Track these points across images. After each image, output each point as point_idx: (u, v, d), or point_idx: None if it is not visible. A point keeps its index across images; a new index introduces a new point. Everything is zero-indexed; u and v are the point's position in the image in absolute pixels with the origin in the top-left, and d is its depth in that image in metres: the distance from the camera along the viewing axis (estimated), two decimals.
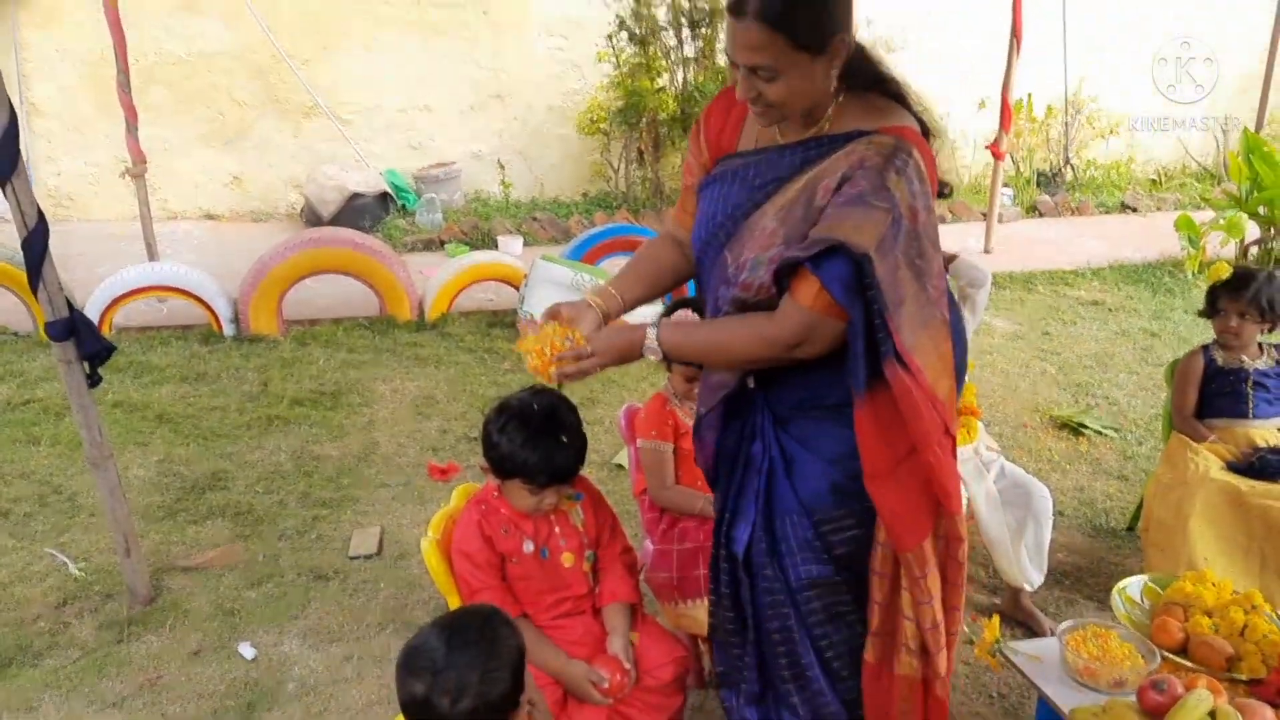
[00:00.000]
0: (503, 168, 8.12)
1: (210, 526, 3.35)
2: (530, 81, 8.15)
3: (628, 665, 2.05)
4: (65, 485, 3.58)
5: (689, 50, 7.33)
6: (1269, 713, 1.83)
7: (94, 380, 2.68)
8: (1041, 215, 8.52)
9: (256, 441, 3.99)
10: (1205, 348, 3.16)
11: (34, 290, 2.59)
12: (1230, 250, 6.56)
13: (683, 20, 7.22)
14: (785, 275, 1.67)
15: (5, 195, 2.50)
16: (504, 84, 8.11)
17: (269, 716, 2.46)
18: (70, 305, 2.63)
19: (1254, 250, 6.53)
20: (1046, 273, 6.61)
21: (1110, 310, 5.93)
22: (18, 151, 2.48)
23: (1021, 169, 9.21)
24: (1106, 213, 8.63)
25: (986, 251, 7.12)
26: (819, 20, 1.62)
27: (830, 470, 1.79)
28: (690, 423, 2.48)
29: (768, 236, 1.71)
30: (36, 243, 2.53)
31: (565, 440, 2.02)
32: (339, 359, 4.86)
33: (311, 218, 7.33)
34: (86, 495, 3.49)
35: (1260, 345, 3.11)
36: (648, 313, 2.32)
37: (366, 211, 7.34)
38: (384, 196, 7.55)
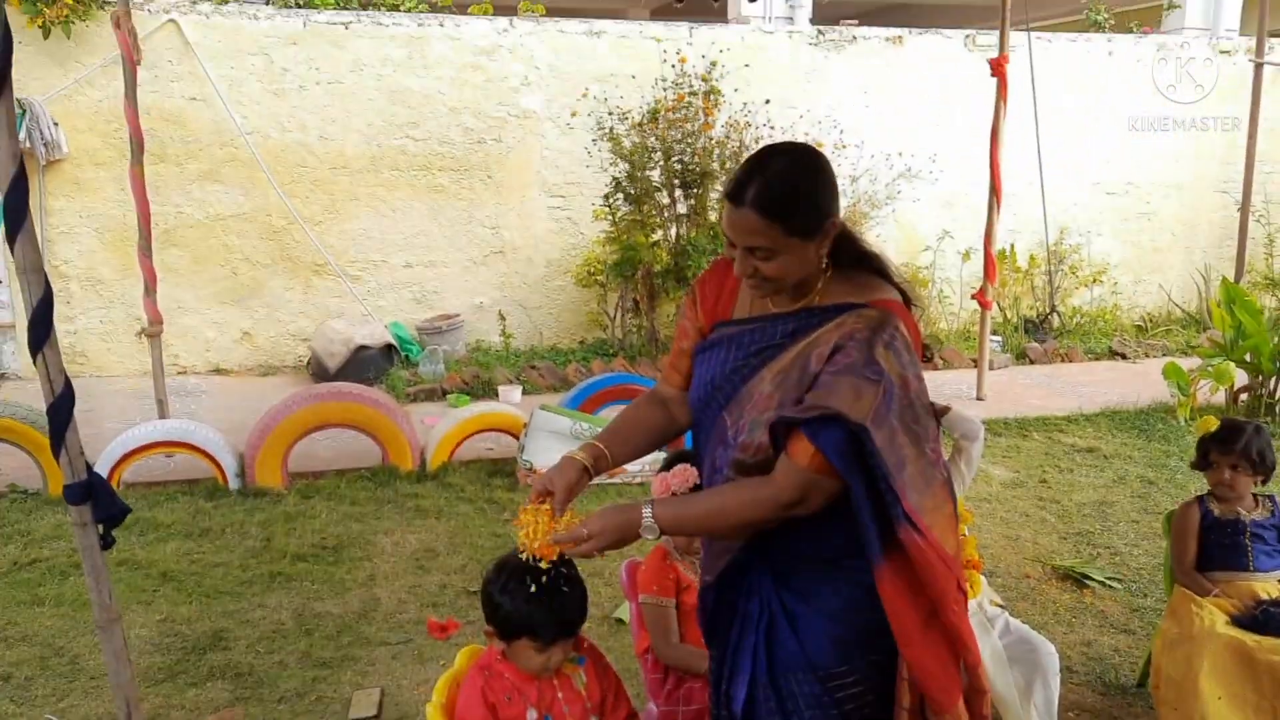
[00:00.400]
0: (504, 318, 8.35)
1: (211, 688, 3.32)
2: (531, 237, 8.49)
3: None
4: (67, 648, 3.56)
5: (681, 208, 7.69)
6: None
7: (107, 543, 2.71)
8: (1032, 362, 8.70)
9: (259, 599, 3.98)
10: (1200, 499, 3.21)
11: (56, 454, 2.65)
12: (1220, 397, 6.69)
13: (675, 182, 7.60)
14: (780, 436, 1.75)
15: (35, 363, 2.61)
16: (506, 240, 8.44)
17: None
18: (89, 468, 2.70)
19: (1244, 397, 6.65)
20: (1040, 419, 6.72)
21: (1106, 457, 5.99)
22: (51, 324, 2.60)
23: (1009, 316, 9.47)
24: (1096, 359, 8.82)
25: (979, 399, 7.26)
26: (811, 210, 1.78)
27: (831, 626, 1.83)
28: (692, 577, 2.53)
29: (765, 400, 1.80)
30: (62, 408, 2.61)
31: (568, 590, 2.05)
32: (341, 511, 4.89)
33: (318, 370, 7.49)
34: (88, 658, 3.46)
35: (1255, 497, 3.16)
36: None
37: (371, 363, 7.50)
38: (388, 348, 7.74)
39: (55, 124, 7.24)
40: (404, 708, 3.19)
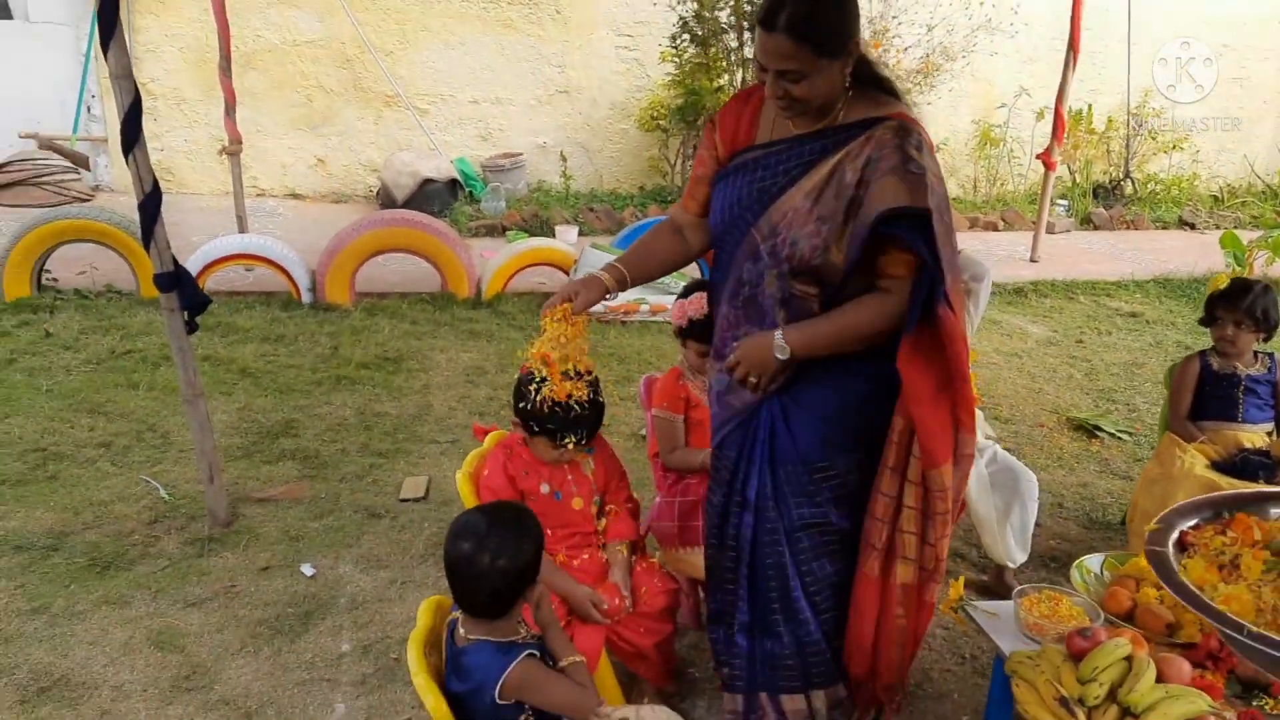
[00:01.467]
0: (565, 160, 8.49)
1: (281, 467, 3.77)
2: (596, 78, 8.51)
3: (625, 593, 2.37)
4: (159, 425, 4.04)
5: (749, 51, 7.61)
6: (1186, 666, 2.06)
7: (192, 328, 3.09)
8: (1096, 228, 8.60)
9: (325, 397, 4.41)
10: (1203, 353, 3.35)
11: (146, 246, 3.01)
12: (1278, 268, 6.60)
13: (744, 23, 7.50)
14: (866, 254, 1.95)
15: (127, 163, 2.92)
16: (571, 80, 8.49)
17: (323, 624, 2.84)
18: (175, 261, 3.04)
19: None
20: (1089, 283, 6.74)
21: (1148, 322, 6.05)
22: (140, 127, 2.89)
23: (1079, 180, 9.28)
24: (1164, 228, 8.67)
25: (1033, 260, 7.26)
26: (837, 30, 1.95)
27: (822, 426, 2.11)
28: (700, 396, 2.80)
29: (803, 215, 2.00)
30: (150, 205, 2.94)
31: (586, 409, 2.33)
32: (402, 329, 5.27)
33: (387, 200, 7.79)
34: (177, 434, 3.93)
35: (1255, 354, 3.30)
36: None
37: (437, 197, 7.77)
38: (453, 183, 7.98)
39: None
40: (448, 493, 3.59)
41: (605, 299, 2.23)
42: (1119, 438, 4.39)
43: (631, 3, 8.33)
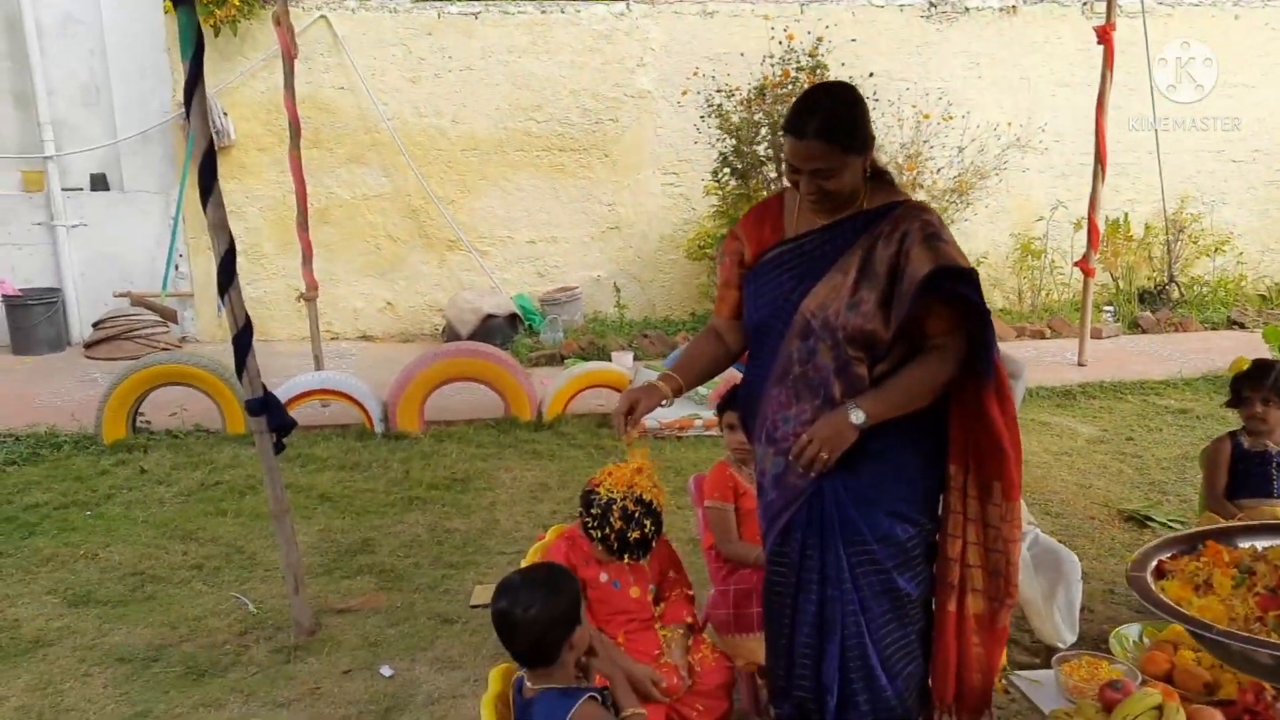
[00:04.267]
0: (618, 290, 8.93)
1: (359, 580, 4.01)
2: (645, 213, 9.03)
3: (683, 672, 2.53)
4: (246, 547, 4.34)
5: (786, 183, 8.03)
6: (1219, 716, 2.15)
7: (279, 448, 3.41)
8: (1143, 331, 8.68)
9: (399, 517, 4.68)
10: (1233, 434, 3.48)
11: (239, 375, 3.36)
12: None
13: (780, 155, 7.96)
14: (915, 315, 2.20)
15: (222, 302, 3.31)
16: (621, 216, 9.01)
17: (402, 719, 3.02)
18: (264, 388, 3.38)
19: None
20: (1137, 383, 6.82)
21: (1198, 418, 6.10)
22: (235, 270, 3.29)
23: (1123, 286, 9.42)
24: (1213, 329, 8.72)
25: (1080, 364, 7.36)
26: (860, 129, 2.27)
27: (885, 499, 2.29)
28: (749, 484, 3.00)
29: (849, 288, 2.25)
30: (243, 338, 3.31)
31: (644, 532, 2.56)
32: (469, 452, 5.57)
33: (451, 337, 8.25)
34: (263, 555, 4.22)
35: None
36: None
37: (498, 331, 8.20)
38: (513, 318, 8.43)
39: (225, 114, 8.21)
40: None
41: (662, 404, 2.46)
42: (1171, 527, 4.42)
43: (675, 143, 8.91)
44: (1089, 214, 7.31)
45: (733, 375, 2.99)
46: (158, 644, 3.50)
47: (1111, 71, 7.10)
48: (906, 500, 2.31)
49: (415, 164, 8.61)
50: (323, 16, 8.39)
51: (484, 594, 3.83)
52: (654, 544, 2.62)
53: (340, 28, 8.42)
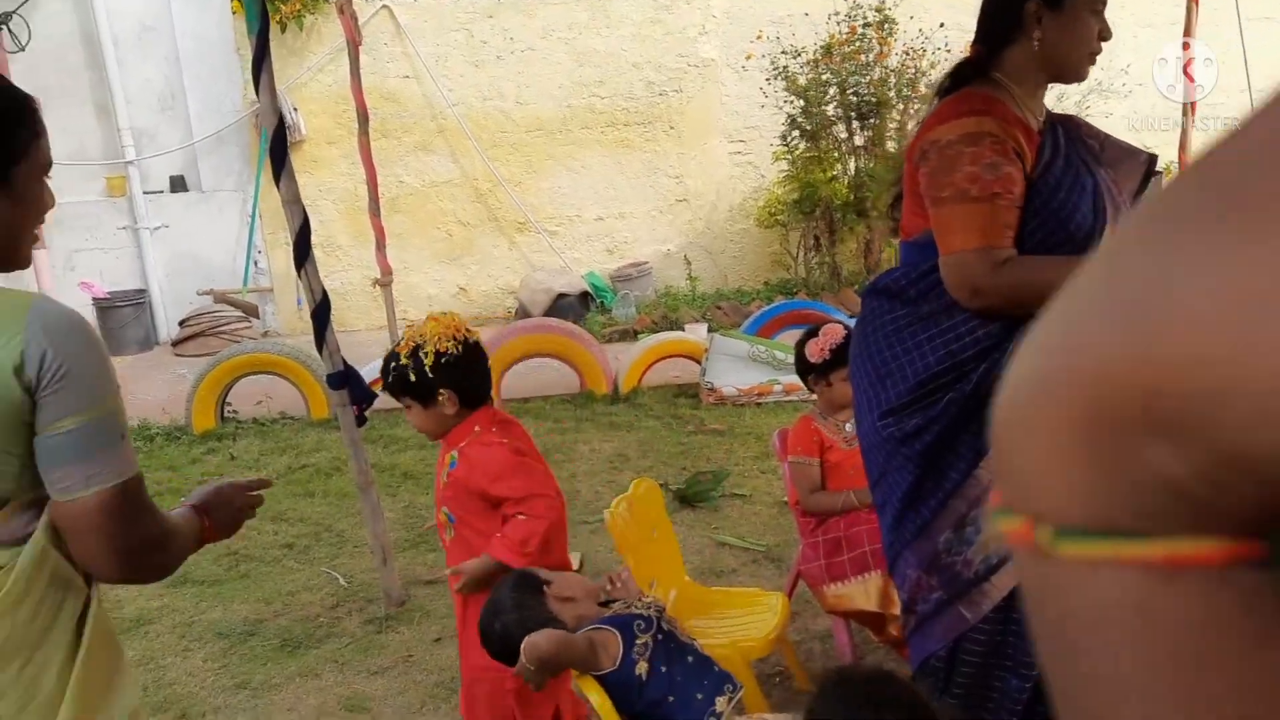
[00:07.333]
0: (689, 263, 8.83)
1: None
2: (713, 183, 8.90)
3: None
4: (334, 525, 4.38)
5: (859, 140, 7.85)
6: None
7: (361, 420, 3.41)
8: None
9: None
10: None
11: (319, 349, 3.37)
12: None
13: (851, 114, 7.77)
14: None
15: (299, 276, 3.32)
16: (689, 188, 8.90)
17: None
18: (345, 362, 3.39)
19: None
20: None
21: None
22: (310, 245, 3.29)
23: None
24: None
25: None
26: None
27: None
28: (834, 438, 2.90)
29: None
30: (322, 312, 3.32)
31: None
32: (547, 426, 5.55)
33: (524, 318, 8.26)
34: (351, 533, 4.25)
35: None
36: None
37: (570, 310, 8.18)
38: (585, 296, 8.40)
39: (295, 109, 8.33)
40: (598, 565, 3.75)
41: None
42: None
43: (741, 111, 8.76)
44: (1180, 157, 6.95)
45: (833, 330, 2.87)
46: (254, 619, 3.55)
47: (1197, 5, 6.72)
48: None
49: (481, 148, 8.63)
50: (385, 7, 8.44)
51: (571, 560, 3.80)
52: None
53: (403, 17, 8.46)
